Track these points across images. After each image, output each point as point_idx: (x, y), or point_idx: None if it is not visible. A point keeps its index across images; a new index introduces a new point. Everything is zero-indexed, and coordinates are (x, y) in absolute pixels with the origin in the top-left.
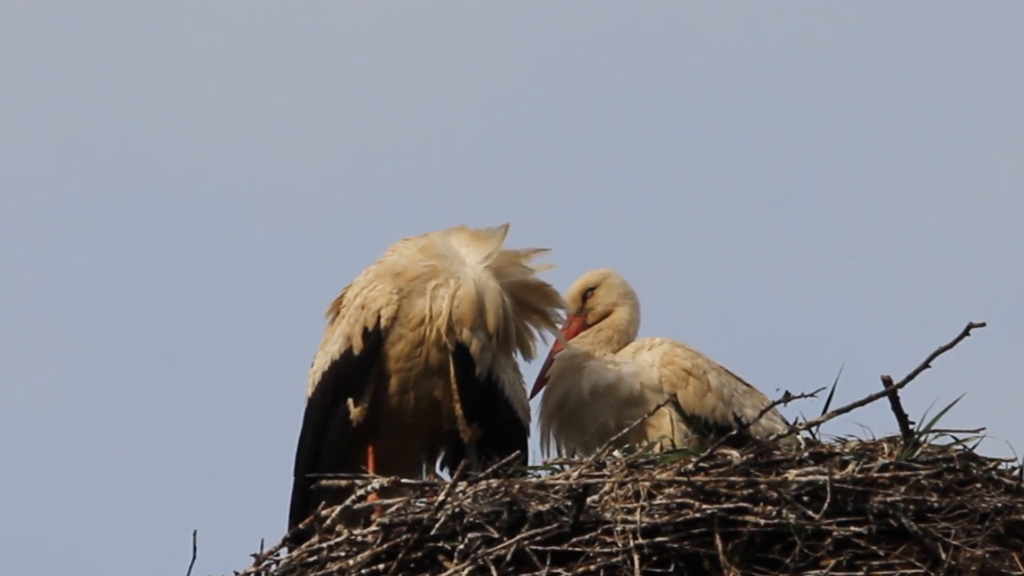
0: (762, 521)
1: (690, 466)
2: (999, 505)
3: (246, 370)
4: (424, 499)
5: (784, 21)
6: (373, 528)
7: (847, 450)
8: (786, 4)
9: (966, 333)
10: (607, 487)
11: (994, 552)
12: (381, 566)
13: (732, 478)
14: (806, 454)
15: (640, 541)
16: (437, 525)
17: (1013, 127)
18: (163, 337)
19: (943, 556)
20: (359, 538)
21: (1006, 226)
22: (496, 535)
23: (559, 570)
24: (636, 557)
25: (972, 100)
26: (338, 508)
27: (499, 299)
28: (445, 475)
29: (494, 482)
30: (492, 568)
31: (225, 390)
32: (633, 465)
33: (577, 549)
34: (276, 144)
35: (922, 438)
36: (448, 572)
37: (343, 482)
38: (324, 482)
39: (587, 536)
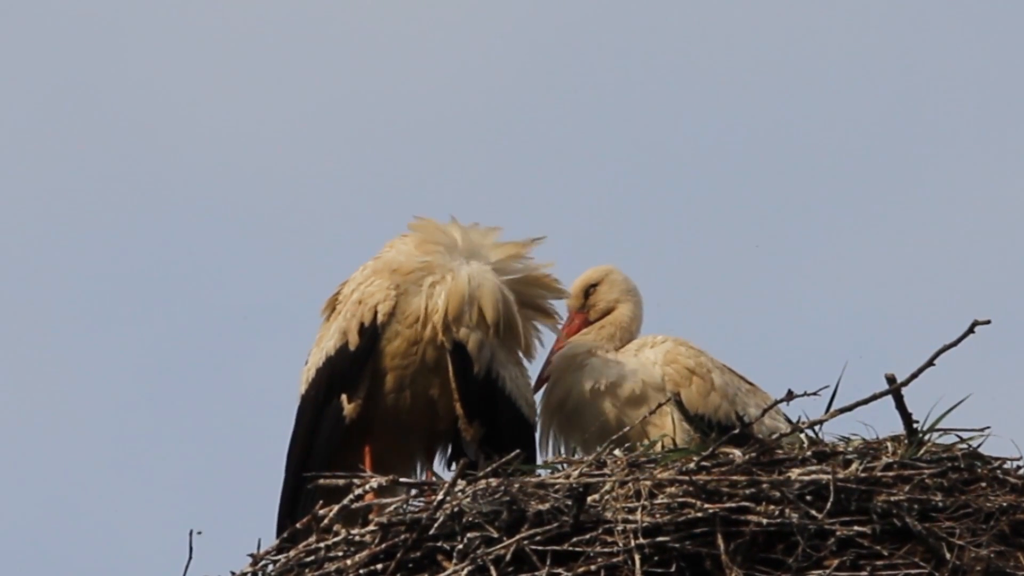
0: (764, 521)
1: (692, 465)
2: (1004, 504)
3: (257, 380)
4: (423, 498)
5: (808, 29)
6: (371, 528)
7: (850, 449)
8: (809, 15)
9: (971, 331)
10: (608, 486)
11: (999, 552)
12: (379, 566)
13: (734, 477)
14: (809, 453)
15: (641, 541)
16: (436, 525)
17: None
18: (179, 351)
19: (947, 556)
20: (357, 538)
21: (1010, 224)
22: (495, 535)
23: (559, 570)
24: (637, 557)
25: (970, 102)
26: (336, 507)
27: (498, 293)
28: (444, 474)
29: (493, 481)
30: (491, 568)
31: (230, 395)
32: (634, 464)
33: (577, 549)
34: (294, 159)
35: (926, 437)
36: (447, 572)
37: (340, 481)
38: (322, 481)
39: (587, 536)
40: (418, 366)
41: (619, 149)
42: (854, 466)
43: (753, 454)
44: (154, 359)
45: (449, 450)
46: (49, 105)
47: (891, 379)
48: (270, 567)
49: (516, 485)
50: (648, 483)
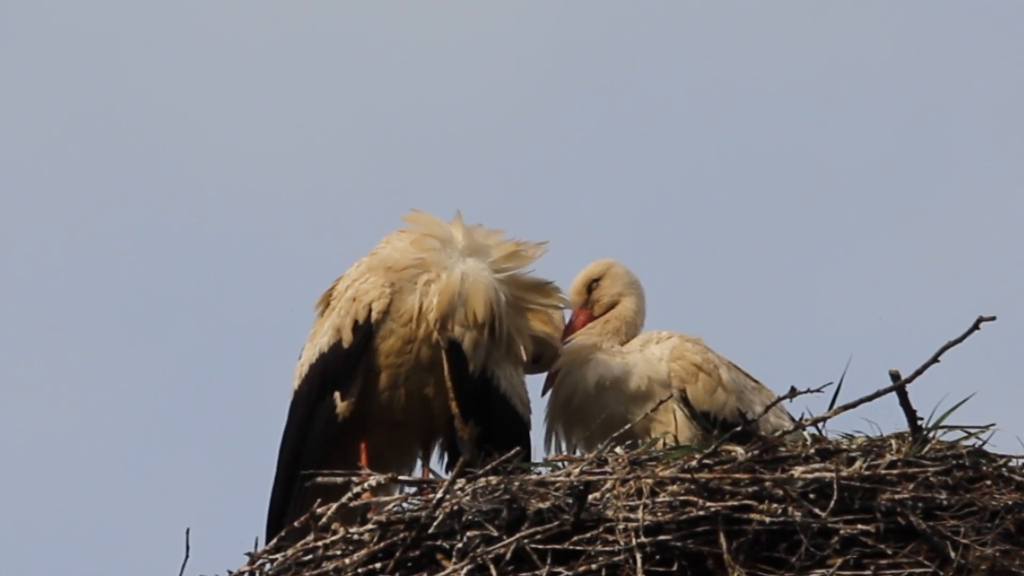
0: (767, 519)
1: (694, 463)
2: (1009, 503)
3: (266, 390)
4: (421, 496)
5: (825, 34)
6: (370, 526)
7: (854, 446)
8: (828, 22)
9: (976, 327)
10: (609, 484)
11: (1004, 551)
12: (378, 565)
13: (737, 475)
14: (812, 451)
15: (643, 540)
16: (435, 523)
17: None
18: (195, 371)
19: (952, 555)
20: (355, 536)
21: (1015, 220)
22: (495, 533)
23: (560, 569)
24: (639, 556)
25: (973, 103)
26: (334, 506)
27: (491, 293)
28: (442, 472)
29: (493, 479)
30: (491, 567)
31: (232, 396)
32: (635, 462)
33: (578, 548)
34: (313, 175)
35: (931, 434)
36: (446, 571)
37: (339, 479)
38: (320, 479)
39: (588, 534)
40: (412, 364)
41: (636, 157)
42: (858, 464)
43: (756, 452)
44: (169, 367)
45: (446, 448)
46: (68, 123)
47: (895, 376)
48: (267, 566)
49: (516, 483)
50: (650, 481)
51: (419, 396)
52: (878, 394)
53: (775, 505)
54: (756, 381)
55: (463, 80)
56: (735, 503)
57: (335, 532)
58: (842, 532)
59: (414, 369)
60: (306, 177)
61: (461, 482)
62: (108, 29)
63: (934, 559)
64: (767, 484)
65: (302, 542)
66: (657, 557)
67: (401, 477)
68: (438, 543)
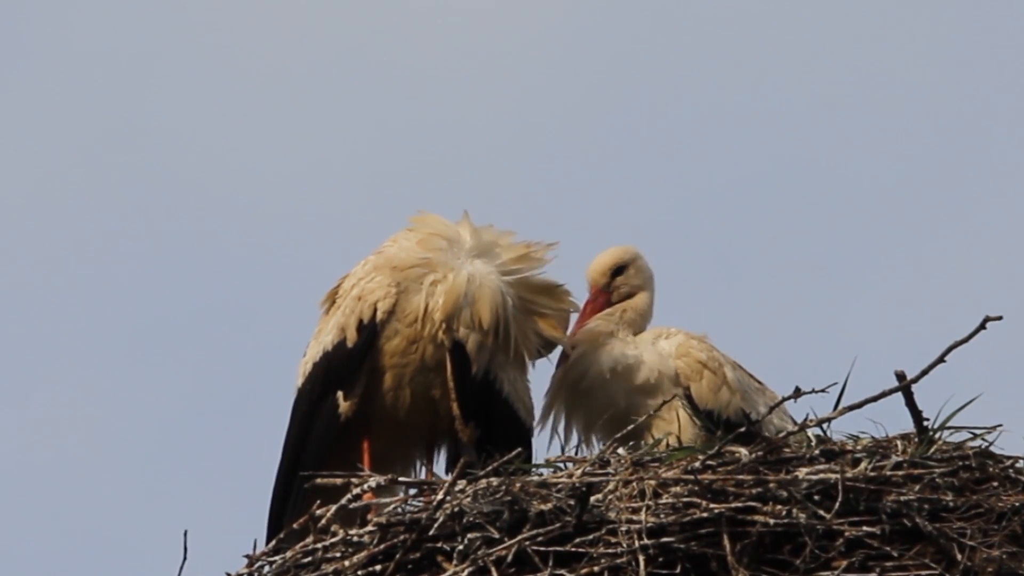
0: (771, 521)
1: (697, 464)
2: (1016, 504)
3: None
4: (422, 498)
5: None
6: (370, 528)
7: (859, 447)
8: (860, 39)
9: (982, 326)
10: (611, 486)
11: (1011, 553)
12: (378, 567)
13: (740, 476)
14: (817, 451)
15: (645, 541)
16: (436, 525)
17: None
18: (205, 384)
19: (958, 557)
20: (355, 538)
21: (1018, 219)
22: (497, 535)
23: (562, 571)
24: (641, 558)
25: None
26: (334, 507)
27: (498, 296)
28: (443, 474)
29: (494, 480)
30: (492, 569)
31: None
32: (638, 463)
33: (580, 550)
34: (331, 199)
35: (937, 435)
36: (447, 573)
37: (338, 480)
38: (320, 480)
39: (591, 536)
40: (417, 365)
41: (642, 160)
42: (863, 465)
43: (760, 453)
44: (182, 381)
45: (450, 451)
46: (89, 144)
47: (901, 376)
48: (266, 568)
49: (518, 485)
50: (652, 482)
51: (424, 397)
52: (883, 394)
53: (779, 507)
54: (759, 382)
55: (477, 98)
56: (739, 505)
57: (334, 534)
58: (847, 534)
59: (419, 370)
60: (324, 197)
61: (462, 483)
62: (125, 51)
63: (940, 561)
64: (771, 485)
65: (301, 544)
66: (660, 559)
67: (401, 479)
68: (438, 545)
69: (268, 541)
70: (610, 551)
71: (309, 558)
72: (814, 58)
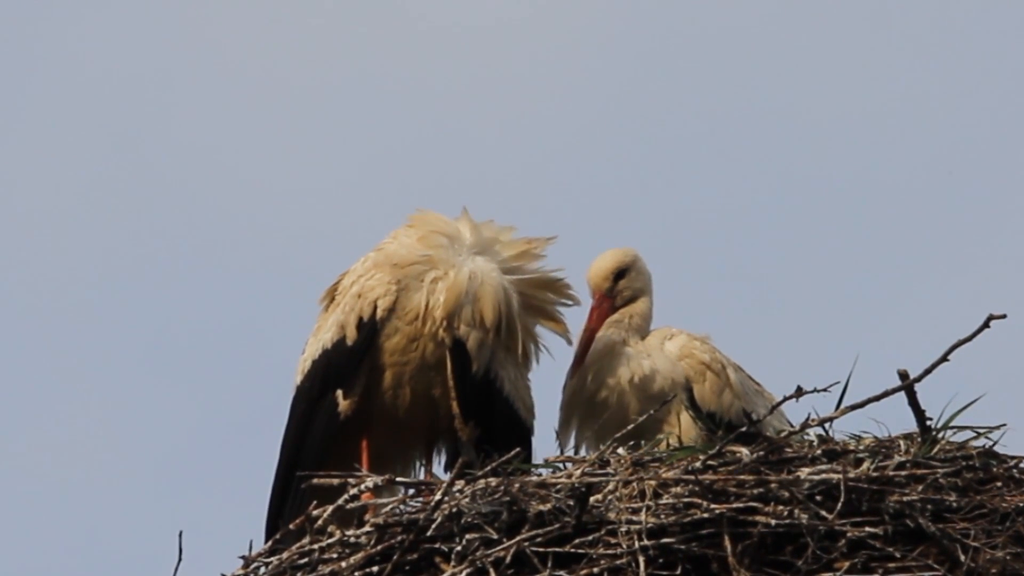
0: (773, 521)
1: (698, 464)
2: (1020, 505)
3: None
4: (420, 498)
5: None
6: (367, 529)
7: (862, 447)
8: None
9: (986, 325)
10: (611, 486)
11: (1015, 554)
12: (375, 568)
13: (742, 477)
14: (819, 451)
15: (646, 542)
16: (434, 526)
17: None
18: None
19: (962, 558)
20: (352, 539)
21: (1020, 218)
22: (495, 536)
23: (561, 572)
24: (642, 559)
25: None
26: (330, 508)
27: (501, 293)
28: (443, 474)
29: (493, 481)
30: (491, 570)
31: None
32: (638, 463)
33: (580, 551)
34: (345, 218)
35: (940, 435)
36: (445, 575)
37: (335, 480)
38: (316, 480)
39: (590, 537)
40: (417, 363)
41: (646, 162)
42: (865, 465)
43: (761, 453)
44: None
45: (449, 450)
46: (101, 167)
47: (904, 375)
48: (262, 569)
49: (516, 485)
50: (653, 483)
51: (424, 396)
52: (886, 394)
53: (781, 507)
54: (758, 384)
55: (486, 113)
56: (740, 505)
57: (331, 535)
58: (849, 535)
59: (419, 368)
60: (339, 215)
61: (460, 484)
62: (142, 72)
63: (943, 562)
64: (773, 486)
65: (297, 545)
66: (660, 560)
67: (399, 479)
68: (436, 546)
69: (266, 541)
70: (610, 552)
71: (305, 559)
72: (817, 67)
